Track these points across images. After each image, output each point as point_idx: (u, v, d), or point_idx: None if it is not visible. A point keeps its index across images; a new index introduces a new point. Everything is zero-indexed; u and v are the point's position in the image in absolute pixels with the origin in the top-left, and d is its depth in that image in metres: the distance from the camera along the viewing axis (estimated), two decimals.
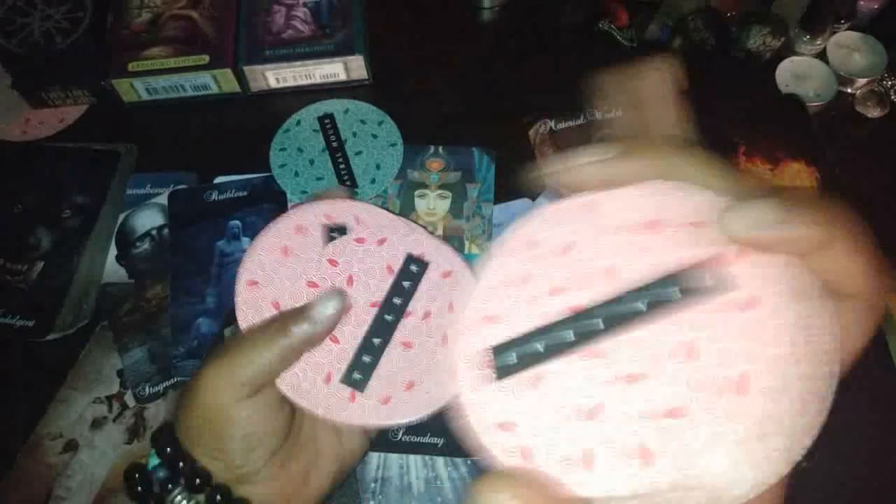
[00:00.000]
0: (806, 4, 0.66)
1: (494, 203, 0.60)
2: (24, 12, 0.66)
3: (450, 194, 0.61)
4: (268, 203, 0.60)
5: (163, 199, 0.61)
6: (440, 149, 0.63)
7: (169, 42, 0.66)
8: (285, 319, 0.33)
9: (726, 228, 0.19)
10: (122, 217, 0.61)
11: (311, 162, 0.62)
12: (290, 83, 0.66)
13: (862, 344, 0.20)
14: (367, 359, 0.34)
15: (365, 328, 0.35)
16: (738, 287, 0.20)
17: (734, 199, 0.19)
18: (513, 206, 0.60)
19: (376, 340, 0.34)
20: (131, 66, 0.64)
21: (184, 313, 0.55)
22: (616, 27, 0.69)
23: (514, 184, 0.62)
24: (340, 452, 0.38)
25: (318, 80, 0.66)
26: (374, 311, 0.35)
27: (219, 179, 0.62)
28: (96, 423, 0.52)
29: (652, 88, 0.27)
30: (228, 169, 0.62)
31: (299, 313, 0.33)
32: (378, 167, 0.62)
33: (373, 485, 0.49)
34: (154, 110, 0.67)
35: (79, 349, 0.55)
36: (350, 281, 0.35)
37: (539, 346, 0.21)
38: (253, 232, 0.59)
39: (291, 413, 0.35)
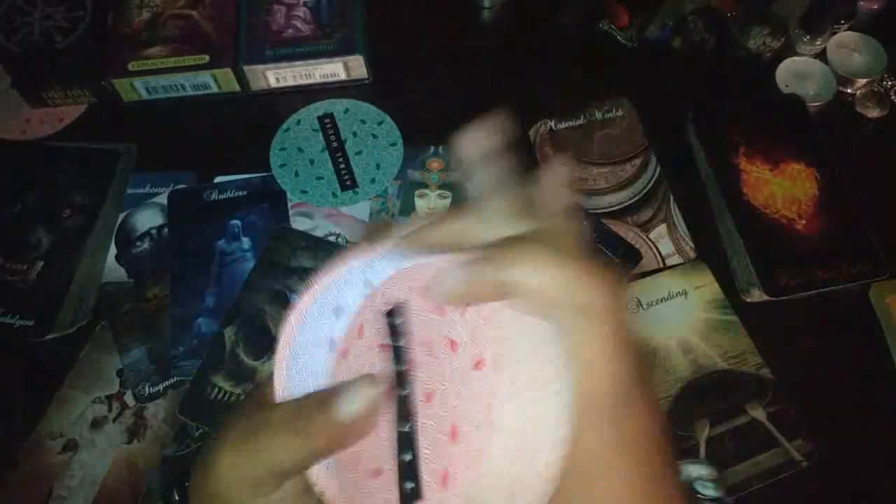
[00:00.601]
0: (806, 4, 0.66)
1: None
2: (24, 11, 0.66)
3: (450, 194, 0.61)
4: (268, 203, 0.60)
5: (163, 199, 0.61)
6: (440, 149, 0.63)
7: (169, 41, 0.66)
8: (310, 411, 0.26)
9: (431, 296, 0.23)
10: (122, 217, 0.61)
11: (311, 161, 0.62)
12: (290, 83, 0.66)
13: (601, 350, 0.22)
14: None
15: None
16: (467, 343, 0.23)
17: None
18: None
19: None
20: (131, 66, 0.64)
21: (184, 313, 0.55)
22: (616, 27, 0.69)
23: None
24: None
25: (318, 79, 0.66)
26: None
27: (219, 179, 0.62)
28: (96, 423, 0.52)
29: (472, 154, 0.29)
30: (228, 169, 0.62)
31: (324, 404, 0.26)
32: (378, 167, 0.61)
33: None
34: (154, 110, 0.67)
35: (79, 349, 0.55)
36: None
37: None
38: (253, 232, 0.59)
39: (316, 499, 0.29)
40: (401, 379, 0.25)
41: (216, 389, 0.52)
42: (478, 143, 0.29)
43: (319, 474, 0.27)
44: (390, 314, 0.25)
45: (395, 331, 0.25)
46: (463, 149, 0.29)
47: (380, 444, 0.25)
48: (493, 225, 0.24)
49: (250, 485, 0.27)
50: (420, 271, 0.25)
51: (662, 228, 0.59)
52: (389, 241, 0.26)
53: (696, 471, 0.30)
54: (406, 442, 0.24)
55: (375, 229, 0.29)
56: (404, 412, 0.24)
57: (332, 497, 0.26)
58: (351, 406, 0.25)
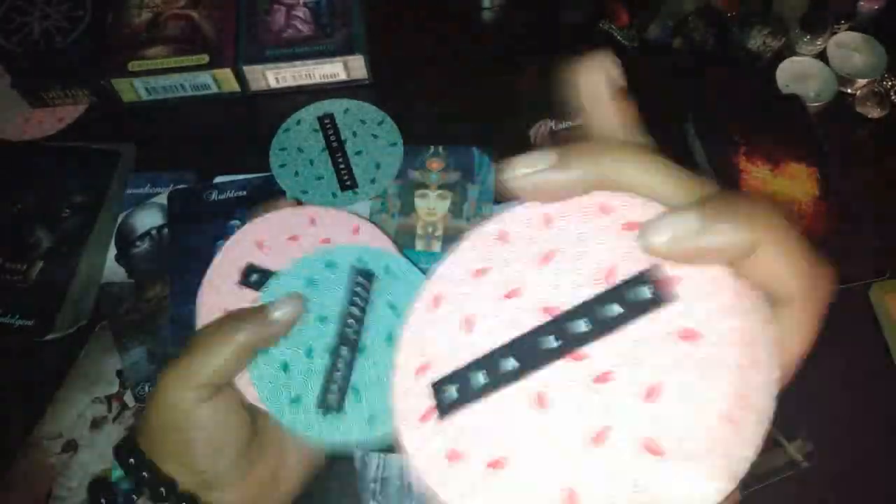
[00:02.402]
0: (806, 4, 0.66)
1: (494, 203, 0.60)
2: (24, 11, 0.66)
3: (450, 194, 0.61)
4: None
5: (163, 199, 0.61)
6: (440, 149, 0.63)
7: (169, 42, 0.66)
8: (238, 319, 0.33)
9: (646, 244, 0.18)
10: (121, 217, 0.61)
11: (311, 162, 0.62)
12: (290, 83, 0.66)
13: (804, 349, 0.20)
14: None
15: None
16: (674, 308, 0.19)
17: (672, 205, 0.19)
18: (513, 206, 0.60)
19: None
20: (131, 66, 0.64)
21: (184, 313, 0.55)
22: (616, 27, 0.69)
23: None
24: (307, 452, 0.37)
25: (318, 80, 0.66)
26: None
27: (219, 179, 0.62)
28: (96, 423, 0.52)
29: (585, 90, 0.25)
30: (228, 169, 0.62)
31: (254, 314, 0.33)
32: (378, 167, 0.61)
33: (372, 485, 0.49)
34: (154, 110, 0.67)
35: (79, 349, 0.55)
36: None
37: (481, 378, 0.20)
38: None
39: (254, 414, 0.34)
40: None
41: None
42: (600, 75, 0.25)
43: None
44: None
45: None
46: (583, 82, 0.25)
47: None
48: (668, 178, 0.20)
49: (192, 389, 0.31)
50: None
51: None
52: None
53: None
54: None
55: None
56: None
57: None
58: (282, 310, 0.33)
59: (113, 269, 0.59)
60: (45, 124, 0.66)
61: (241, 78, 0.65)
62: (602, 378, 0.19)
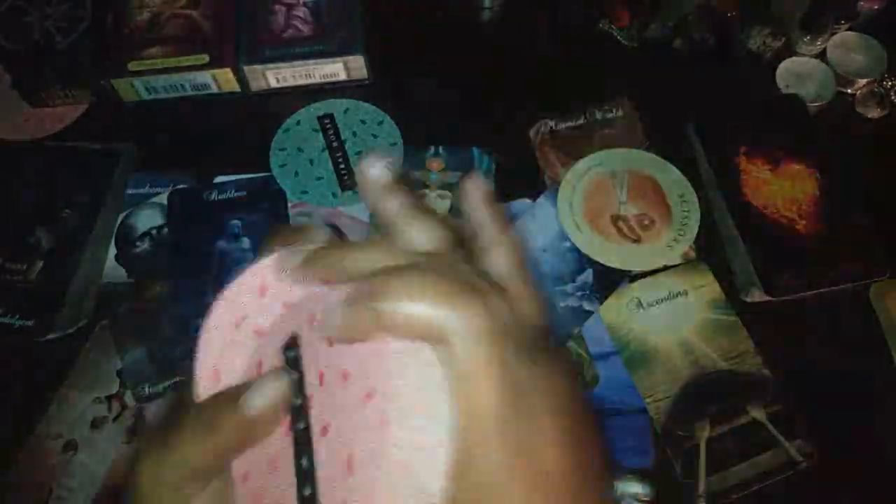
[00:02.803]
0: (806, 4, 0.66)
1: None
2: (24, 11, 0.66)
3: (450, 194, 0.61)
4: (268, 203, 0.60)
5: (163, 199, 0.61)
6: (440, 149, 0.63)
7: (169, 41, 0.65)
8: (218, 408, 0.27)
9: (321, 332, 0.23)
10: (121, 217, 0.61)
11: (311, 162, 0.62)
12: (290, 83, 0.66)
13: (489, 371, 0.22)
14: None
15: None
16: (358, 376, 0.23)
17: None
18: (513, 206, 0.60)
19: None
20: (131, 66, 0.64)
21: (184, 313, 0.55)
22: (616, 27, 0.69)
23: (514, 184, 0.62)
24: None
25: (318, 80, 0.66)
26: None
27: (219, 179, 0.62)
28: (96, 423, 0.52)
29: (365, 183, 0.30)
30: (228, 169, 0.62)
31: (232, 401, 0.27)
32: None
33: None
34: (154, 110, 0.67)
35: (79, 349, 0.55)
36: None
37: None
38: (253, 232, 0.59)
39: None
40: (298, 413, 0.25)
41: None
42: (377, 171, 0.28)
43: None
44: (287, 347, 0.26)
45: (291, 364, 0.26)
46: (363, 177, 0.28)
47: (280, 481, 0.24)
48: (377, 254, 0.24)
49: (170, 487, 0.27)
50: (309, 303, 0.26)
51: None
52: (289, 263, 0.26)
53: (630, 488, 0.29)
54: (305, 477, 0.24)
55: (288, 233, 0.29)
56: (303, 447, 0.25)
57: None
58: (258, 400, 0.26)
59: (113, 269, 0.59)
60: (45, 124, 0.66)
61: (241, 78, 0.65)
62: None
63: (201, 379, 0.28)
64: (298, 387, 0.25)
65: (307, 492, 0.24)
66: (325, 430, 0.24)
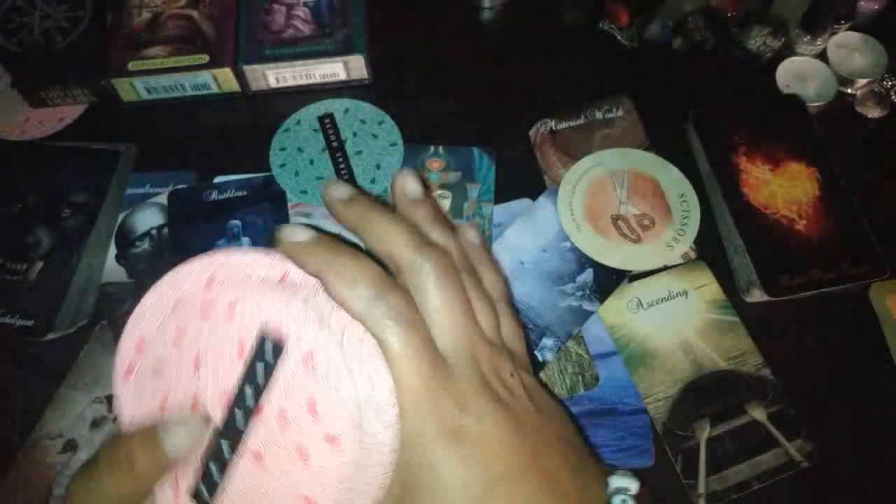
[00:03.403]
0: (806, 4, 0.66)
1: (495, 203, 0.60)
2: (24, 11, 0.66)
3: (450, 194, 0.61)
4: (268, 203, 0.60)
5: (163, 199, 0.61)
6: (440, 149, 0.63)
7: (169, 41, 0.66)
8: (137, 445, 0.29)
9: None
10: (121, 217, 0.61)
11: (311, 162, 0.62)
12: (290, 83, 0.66)
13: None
14: (214, 468, 0.28)
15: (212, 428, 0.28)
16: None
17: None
18: (513, 207, 0.60)
19: (225, 444, 0.28)
20: (131, 66, 0.64)
21: None
22: (616, 27, 0.69)
23: (515, 184, 0.62)
24: None
25: (318, 79, 0.66)
26: (224, 406, 0.29)
27: (219, 179, 0.62)
28: (96, 423, 0.52)
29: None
30: (228, 169, 0.62)
31: (150, 437, 0.28)
32: (378, 167, 0.62)
33: None
34: (154, 110, 0.67)
35: (79, 349, 0.55)
36: (196, 364, 0.29)
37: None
38: (253, 232, 0.59)
39: None
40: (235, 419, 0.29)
41: None
42: (413, 185, 0.36)
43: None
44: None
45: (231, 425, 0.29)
46: (399, 190, 0.36)
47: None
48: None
49: None
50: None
51: None
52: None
53: (618, 482, 0.29)
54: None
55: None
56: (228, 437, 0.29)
57: None
58: (176, 441, 0.28)
59: (113, 269, 0.59)
60: (45, 124, 0.66)
61: (241, 78, 0.65)
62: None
63: (122, 347, 0.33)
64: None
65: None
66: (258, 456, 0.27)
